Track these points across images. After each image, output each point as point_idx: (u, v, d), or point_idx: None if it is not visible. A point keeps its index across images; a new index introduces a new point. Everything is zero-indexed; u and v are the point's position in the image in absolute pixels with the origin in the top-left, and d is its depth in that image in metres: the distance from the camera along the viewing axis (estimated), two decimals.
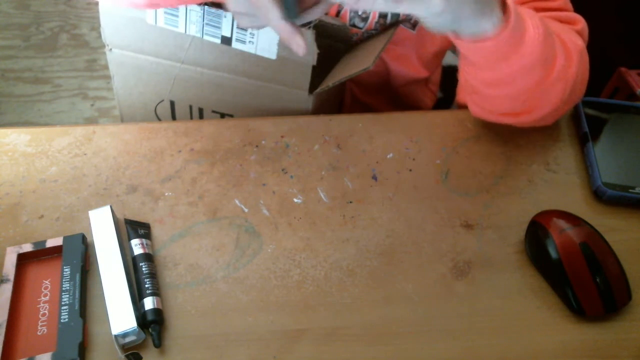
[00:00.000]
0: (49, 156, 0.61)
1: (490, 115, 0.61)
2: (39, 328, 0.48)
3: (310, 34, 0.61)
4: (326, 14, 0.68)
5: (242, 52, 0.64)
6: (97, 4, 0.66)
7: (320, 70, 0.65)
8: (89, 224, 0.54)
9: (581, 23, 0.61)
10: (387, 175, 0.61)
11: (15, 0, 2.03)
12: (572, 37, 0.58)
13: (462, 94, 0.66)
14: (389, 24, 0.70)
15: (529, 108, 0.57)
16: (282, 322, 0.50)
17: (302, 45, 0.46)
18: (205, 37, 0.65)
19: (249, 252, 0.54)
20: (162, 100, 0.73)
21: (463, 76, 0.59)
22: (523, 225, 0.56)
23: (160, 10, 0.64)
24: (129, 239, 0.53)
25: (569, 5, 0.64)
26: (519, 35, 0.49)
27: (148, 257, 0.52)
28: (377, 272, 0.53)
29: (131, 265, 0.52)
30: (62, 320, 0.47)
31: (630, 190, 0.58)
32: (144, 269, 0.51)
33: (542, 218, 0.54)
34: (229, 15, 0.62)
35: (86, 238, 0.54)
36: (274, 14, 0.44)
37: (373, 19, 0.69)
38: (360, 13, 0.68)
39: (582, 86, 0.60)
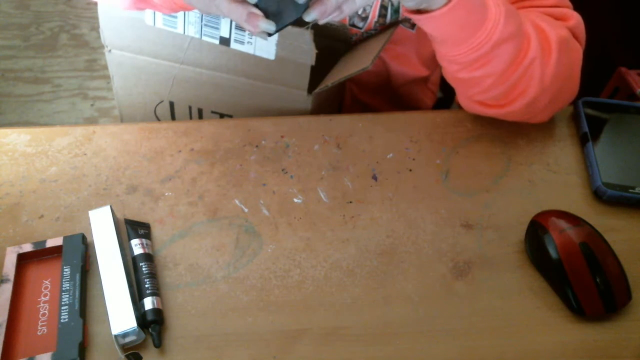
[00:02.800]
0: (49, 156, 0.61)
1: (477, 106, 0.62)
2: (39, 328, 0.48)
3: (308, 34, 0.61)
4: None
5: (241, 53, 0.64)
6: (96, 4, 0.66)
7: (319, 70, 0.65)
8: (89, 224, 0.54)
9: (574, 19, 0.61)
10: (387, 175, 0.61)
11: (15, 0, 2.03)
12: (554, 26, 0.59)
13: None
14: (389, 24, 0.70)
15: (512, 95, 0.58)
16: (282, 322, 0.50)
17: (267, 24, 0.46)
18: (204, 38, 0.65)
19: (249, 252, 0.54)
20: (162, 101, 0.73)
21: (441, 67, 0.60)
22: (523, 225, 0.56)
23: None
24: (129, 239, 0.53)
25: (566, 2, 0.64)
26: (478, 9, 0.52)
27: (148, 257, 0.52)
28: (377, 272, 0.53)
29: (131, 265, 0.52)
30: (62, 320, 0.47)
31: (630, 190, 0.58)
32: (144, 269, 0.51)
33: (542, 218, 0.54)
34: None
35: (86, 238, 0.54)
36: (222, 1, 0.45)
37: (372, 18, 0.69)
38: (360, 13, 0.68)
39: (572, 79, 0.60)
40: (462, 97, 0.63)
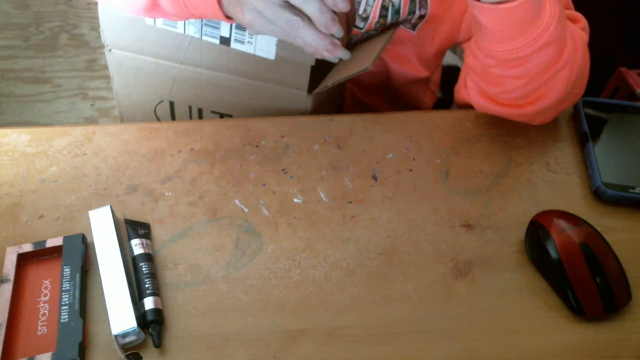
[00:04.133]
0: (49, 156, 0.61)
1: (493, 105, 0.61)
2: (39, 328, 0.48)
3: None
4: None
5: (241, 53, 0.64)
6: (96, 4, 0.66)
7: (319, 70, 0.65)
8: (89, 224, 0.54)
9: (582, 22, 0.62)
10: (387, 175, 0.61)
11: (15, 0, 2.03)
12: (576, 29, 0.59)
13: (462, 92, 0.66)
14: (389, 25, 0.70)
15: (534, 96, 0.57)
16: (282, 322, 0.50)
17: (345, 52, 0.54)
18: (204, 38, 0.65)
19: (249, 252, 0.54)
20: (162, 101, 0.73)
21: (473, 57, 0.59)
22: (523, 225, 0.56)
23: None
24: (129, 239, 0.53)
25: (571, 4, 0.65)
26: (537, 8, 0.50)
27: (148, 257, 0.52)
28: (377, 272, 0.53)
29: (131, 265, 0.52)
30: (62, 320, 0.47)
31: (630, 190, 0.58)
32: (144, 269, 0.51)
33: (542, 218, 0.54)
34: None
35: (86, 238, 0.54)
36: (308, 32, 0.49)
37: (373, 19, 0.69)
38: (360, 13, 0.68)
39: (583, 81, 0.60)
40: (478, 94, 0.62)
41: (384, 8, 0.68)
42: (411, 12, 0.68)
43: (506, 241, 0.56)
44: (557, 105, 0.59)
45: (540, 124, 0.64)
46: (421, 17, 0.69)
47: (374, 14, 0.68)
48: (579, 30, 0.59)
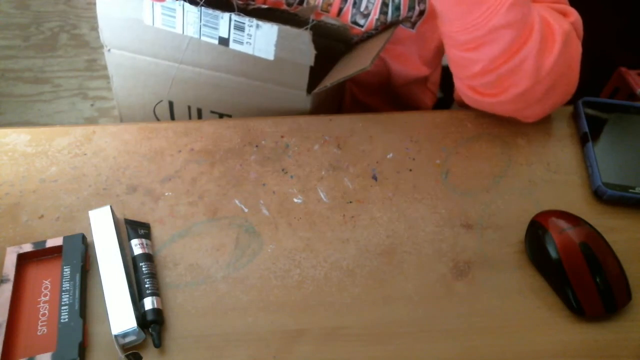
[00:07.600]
0: (49, 156, 0.61)
1: (470, 92, 0.62)
2: (39, 328, 0.48)
3: (307, 34, 0.61)
4: (327, 13, 0.68)
5: (240, 53, 0.64)
6: (96, 4, 0.66)
7: (319, 70, 0.65)
8: (89, 224, 0.54)
9: (573, 16, 0.61)
10: (387, 175, 0.61)
11: (15, 0, 2.03)
12: (559, 20, 0.58)
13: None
14: (389, 24, 0.70)
15: (501, 86, 0.58)
16: (282, 322, 0.50)
17: None
18: (203, 38, 0.65)
19: (249, 252, 0.54)
20: (161, 101, 0.73)
21: (446, 51, 0.61)
22: (523, 225, 0.56)
23: (158, 11, 0.64)
24: (129, 239, 0.53)
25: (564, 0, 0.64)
26: None
27: (148, 257, 0.52)
28: (377, 272, 0.53)
29: (131, 265, 0.52)
30: (62, 320, 0.47)
31: (630, 190, 0.58)
32: (144, 269, 0.51)
33: (542, 218, 0.54)
34: (225, 16, 0.62)
35: (86, 238, 0.54)
36: None
37: (374, 16, 0.68)
38: (362, 10, 0.68)
39: (570, 75, 0.60)
40: (457, 79, 0.63)
41: (384, 4, 0.68)
42: (411, 7, 0.68)
43: (506, 241, 0.56)
44: (539, 96, 0.59)
45: (534, 121, 0.64)
46: (421, 13, 0.69)
47: (375, 11, 0.68)
48: (562, 23, 0.58)
